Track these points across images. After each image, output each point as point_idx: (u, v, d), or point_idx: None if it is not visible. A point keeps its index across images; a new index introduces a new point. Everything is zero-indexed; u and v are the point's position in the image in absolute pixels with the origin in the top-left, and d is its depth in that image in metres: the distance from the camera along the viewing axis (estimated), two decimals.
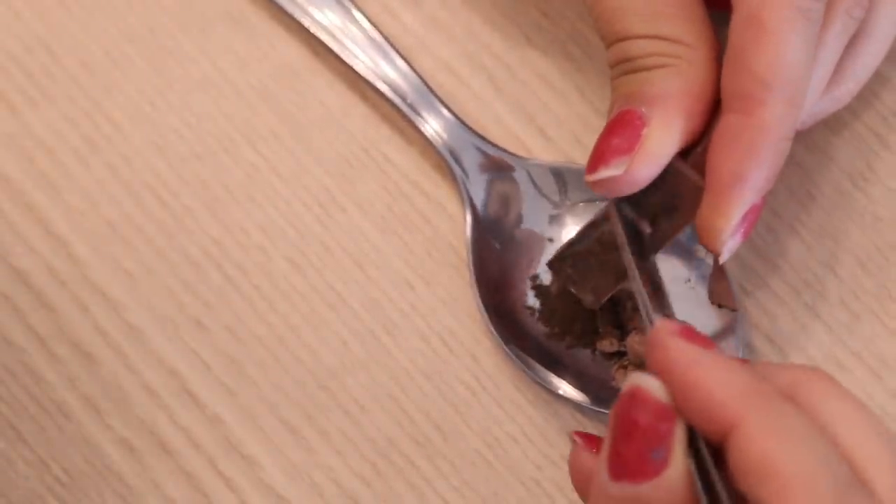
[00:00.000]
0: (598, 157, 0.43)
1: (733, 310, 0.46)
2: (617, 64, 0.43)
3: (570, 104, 0.50)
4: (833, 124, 0.49)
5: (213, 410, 0.47)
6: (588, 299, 0.45)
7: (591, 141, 0.49)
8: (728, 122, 0.41)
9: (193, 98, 0.50)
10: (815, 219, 0.49)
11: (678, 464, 0.35)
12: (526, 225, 0.48)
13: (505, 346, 0.46)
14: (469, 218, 0.48)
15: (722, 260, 0.43)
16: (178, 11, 0.51)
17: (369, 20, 0.49)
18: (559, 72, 0.50)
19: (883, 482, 0.35)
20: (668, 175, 0.43)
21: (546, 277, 0.47)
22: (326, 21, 0.49)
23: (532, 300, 0.47)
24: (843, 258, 0.48)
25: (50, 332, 0.48)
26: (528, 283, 0.48)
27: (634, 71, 0.43)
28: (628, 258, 0.43)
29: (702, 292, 0.47)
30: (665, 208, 0.43)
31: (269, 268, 0.49)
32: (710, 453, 0.35)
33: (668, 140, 0.42)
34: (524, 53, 0.50)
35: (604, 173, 0.42)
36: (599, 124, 0.49)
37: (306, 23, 0.49)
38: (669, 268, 0.47)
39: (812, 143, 0.49)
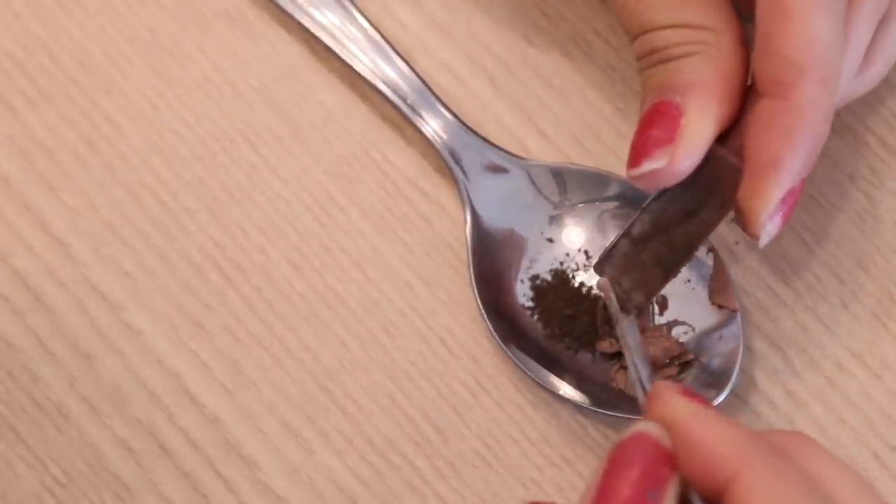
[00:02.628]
0: (640, 150, 0.42)
1: (733, 310, 0.46)
2: (644, 56, 0.43)
3: (570, 104, 0.50)
4: (837, 127, 0.49)
5: (212, 411, 0.47)
6: (639, 300, 0.45)
7: (590, 141, 0.49)
8: (764, 107, 0.41)
9: (193, 98, 0.50)
10: (816, 221, 0.48)
11: None
12: (525, 225, 0.48)
13: (504, 347, 0.46)
14: (469, 218, 0.48)
15: (762, 245, 0.42)
16: (177, 11, 0.51)
17: (369, 21, 0.49)
18: (559, 72, 0.50)
19: None
20: (706, 161, 0.43)
21: (546, 278, 0.47)
22: (326, 21, 0.49)
23: (532, 301, 0.47)
24: (844, 260, 0.48)
25: (49, 332, 0.48)
26: (528, 284, 0.47)
27: (663, 61, 0.43)
28: (622, 330, 0.44)
29: (702, 292, 0.47)
30: (706, 195, 0.43)
31: (268, 268, 0.49)
32: None
33: (706, 127, 0.42)
34: (524, 53, 0.50)
35: (647, 166, 0.42)
36: (599, 124, 0.49)
37: (306, 23, 0.49)
38: None
39: None
